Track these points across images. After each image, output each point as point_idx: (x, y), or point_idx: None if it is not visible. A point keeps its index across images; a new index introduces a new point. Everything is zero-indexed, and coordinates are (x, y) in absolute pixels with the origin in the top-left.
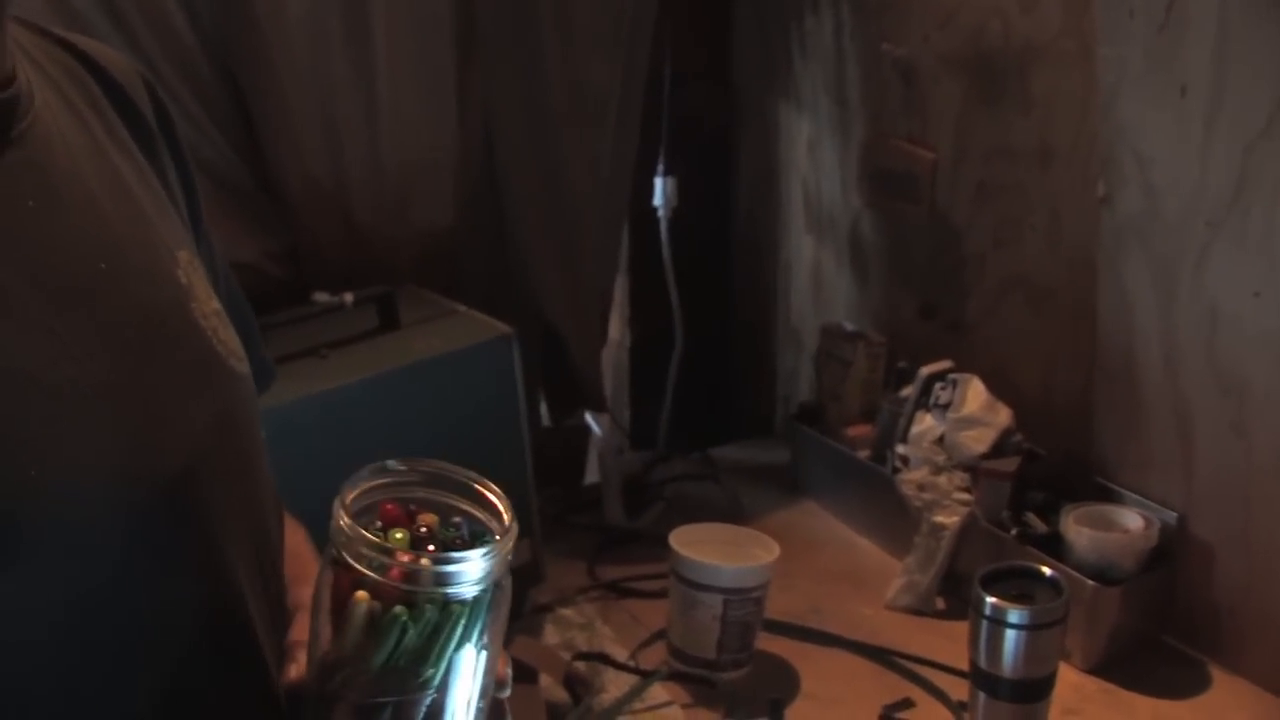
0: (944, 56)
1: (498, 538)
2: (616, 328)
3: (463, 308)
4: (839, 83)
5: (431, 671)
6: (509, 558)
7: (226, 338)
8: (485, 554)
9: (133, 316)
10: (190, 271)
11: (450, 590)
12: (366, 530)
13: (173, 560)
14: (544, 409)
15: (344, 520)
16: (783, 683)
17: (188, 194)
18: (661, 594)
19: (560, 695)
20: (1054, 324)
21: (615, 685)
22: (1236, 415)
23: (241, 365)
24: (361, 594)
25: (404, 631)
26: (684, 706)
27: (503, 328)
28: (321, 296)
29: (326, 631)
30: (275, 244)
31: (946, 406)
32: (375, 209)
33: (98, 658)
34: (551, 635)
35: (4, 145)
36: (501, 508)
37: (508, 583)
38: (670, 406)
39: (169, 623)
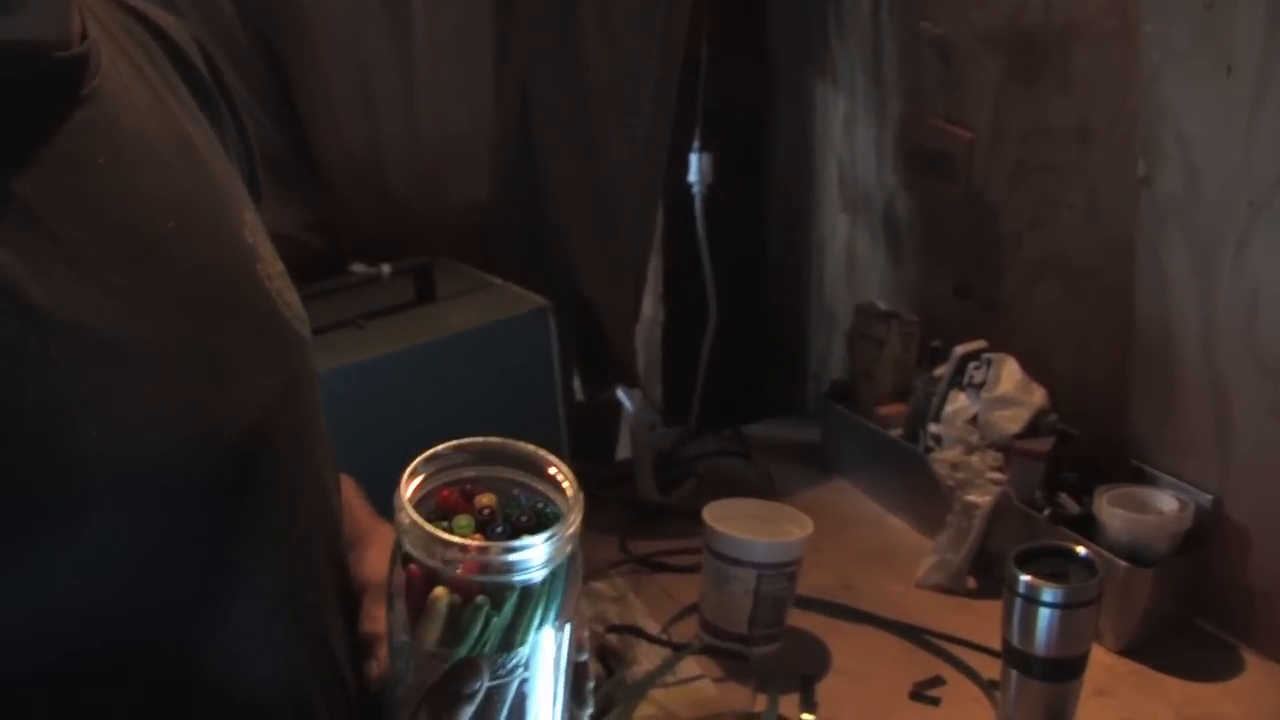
0: (983, 35)
1: (569, 515)
2: (650, 304)
3: (498, 281)
4: (876, 61)
5: (518, 654)
6: (578, 529)
7: (291, 300)
8: (555, 533)
9: (200, 275)
10: (255, 232)
11: (527, 574)
12: (430, 523)
13: (238, 521)
14: (577, 384)
15: (410, 517)
16: (814, 658)
17: (248, 159)
18: (693, 569)
19: (593, 668)
20: (1089, 304)
21: (647, 658)
22: (1276, 398)
23: (304, 328)
24: (440, 590)
25: (489, 620)
26: (715, 680)
27: (539, 301)
28: (359, 268)
29: (405, 626)
30: (311, 215)
31: (980, 386)
32: (411, 181)
33: (163, 618)
34: (584, 608)
35: (75, 103)
36: (560, 476)
37: (579, 550)
38: (703, 383)
39: (233, 584)
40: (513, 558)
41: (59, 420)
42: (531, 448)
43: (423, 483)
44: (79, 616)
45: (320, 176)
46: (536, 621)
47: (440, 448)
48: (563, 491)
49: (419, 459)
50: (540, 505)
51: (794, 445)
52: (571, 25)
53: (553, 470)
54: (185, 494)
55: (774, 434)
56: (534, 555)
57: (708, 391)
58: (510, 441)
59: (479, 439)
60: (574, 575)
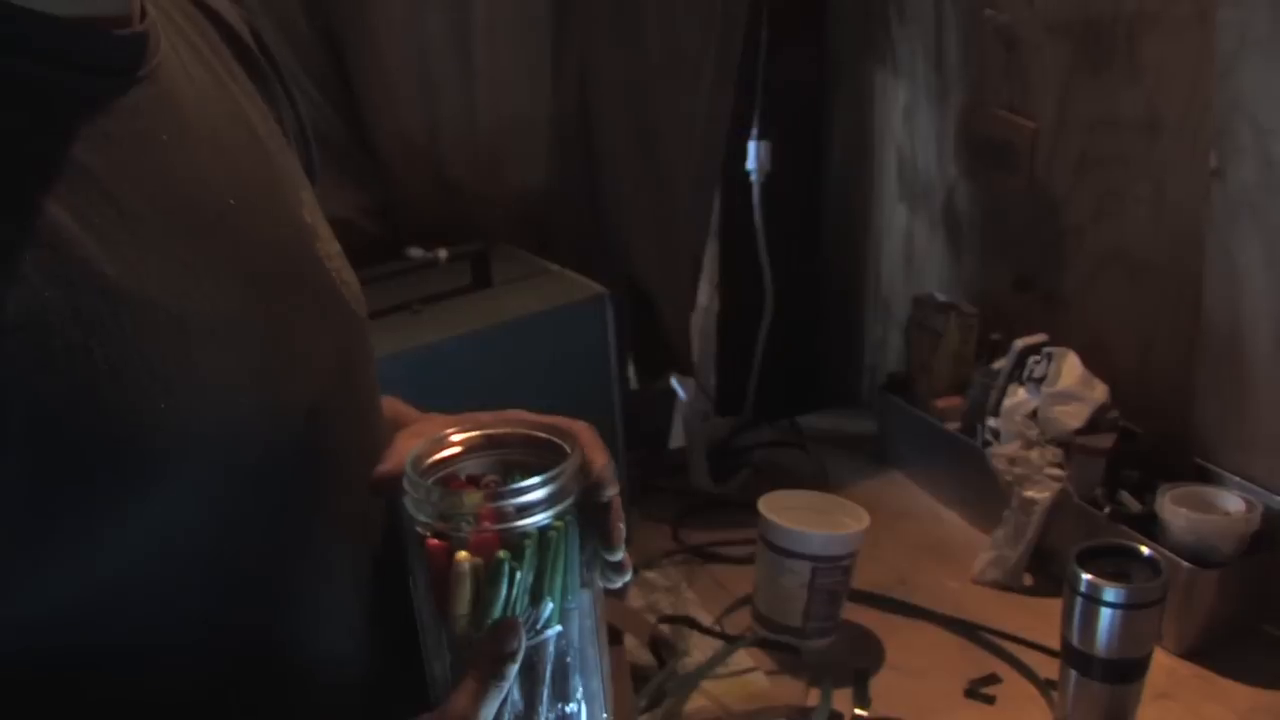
0: (1048, 23)
1: (569, 458)
2: (705, 293)
3: (555, 267)
4: (938, 49)
5: (548, 609)
6: (580, 469)
7: (349, 279)
8: (557, 472)
9: (261, 252)
10: (313, 212)
11: (540, 517)
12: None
13: (301, 497)
14: (631, 371)
15: (422, 487)
16: (868, 653)
17: (303, 140)
18: (746, 560)
19: (645, 658)
20: (1154, 299)
21: (700, 649)
22: None
23: (361, 308)
24: (463, 554)
25: (513, 575)
26: (768, 673)
27: (597, 288)
28: (415, 252)
29: (431, 602)
30: (369, 199)
31: (1040, 380)
32: (469, 166)
33: (229, 594)
34: (636, 598)
35: (136, 81)
36: (545, 435)
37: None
38: (758, 373)
39: (297, 560)
40: (521, 499)
41: (128, 392)
42: (524, 430)
43: (428, 468)
44: (145, 592)
45: (378, 161)
46: (561, 569)
47: (439, 435)
48: (560, 450)
49: (419, 447)
50: (545, 465)
51: (849, 437)
52: (631, 10)
53: (541, 435)
54: (248, 469)
55: (829, 425)
56: (539, 493)
57: (762, 381)
58: (499, 422)
59: (472, 418)
60: (595, 514)
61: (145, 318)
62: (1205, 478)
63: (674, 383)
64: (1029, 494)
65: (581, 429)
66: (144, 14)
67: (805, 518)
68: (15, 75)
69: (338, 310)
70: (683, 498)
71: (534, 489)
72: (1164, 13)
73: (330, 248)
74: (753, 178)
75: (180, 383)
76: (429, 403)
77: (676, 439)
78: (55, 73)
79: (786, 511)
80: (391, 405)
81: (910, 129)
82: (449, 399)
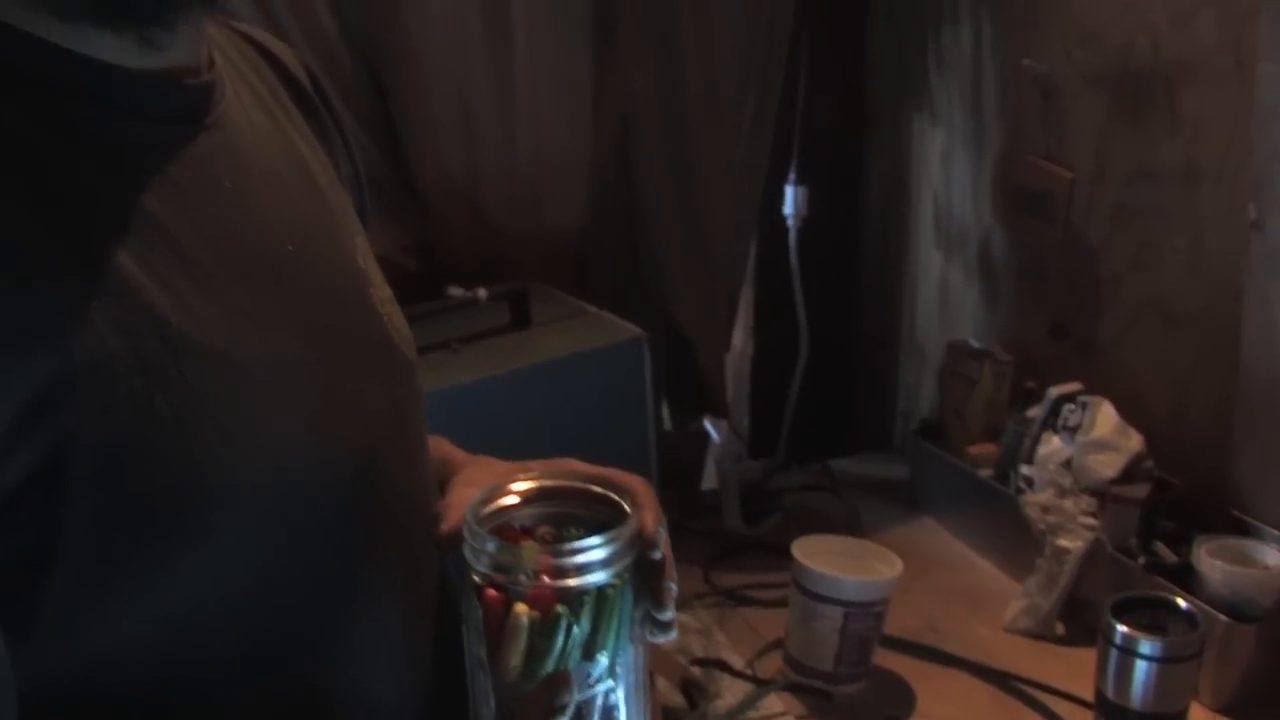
0: (1087, 73)
1: (630, 517)
2: (740, 335)
3: (593, 308)
4: (975, 97)
5: (600, 664)
6: (638, 528)
7: (400, 324)
8: (620, 530)
9: (317, 299)
10: (366, 256)
11: (599, 575)
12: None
13: (353, 541)
14: (665, 412)
15: (482, 537)
16: (899, 700)
17: (356, 183)
18: (778, 603)
19: (676, 700)
20: (1191, 350)
21: (731, 692)
22: None
23: (412, 353)
24: (521, 607)
25: (569, 630)
26: (799, 718)
27: (634, 330)
28: (455, 291)
29: (484, 650)
30: (409, 237)
31: (1075, 429)
32: (508, 204)
33: (281, 635)
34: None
35: (202, 128)
36: (602, 490)
37: (656, 550)
38: (791, 416)
39: (348, 603)
40: (583, 557)
41: (187, 437)
42: (580, 483)
43: (485, 517)
44: (201, 633)
45: (418, 199)
46: (615, 627)
47: (495, 485)
48: (615, 505)
49: (477, 496)
50: (601, 520)
51: (881, 482)
52: (671, 54)
53: (597, 489)
54: (302, 514)
55: (861, 469)
56: (600, 552)
57: (795, 424)
58: (556, 473)
59: (529, 470)
60: (649, 573)
61: (205, 365)
62: (1242, 530)
63: (707, 424)
64: (1062, 543)
65: (638, 486)
66: (211, 63)
67: (838, 563)
68: (90, 126)
69: (390, 356)
70: (715, 540)
71: (595, 548)
72: (1203, 64)
73: (382, 292)
74: (790, 222)
75: (238, 430)
76: (467, 441)
77: (709, 480)
78: (128, 123)
79: (820, 556)
80: (439, 446)
81: (947, 176)
82: (487, 438)
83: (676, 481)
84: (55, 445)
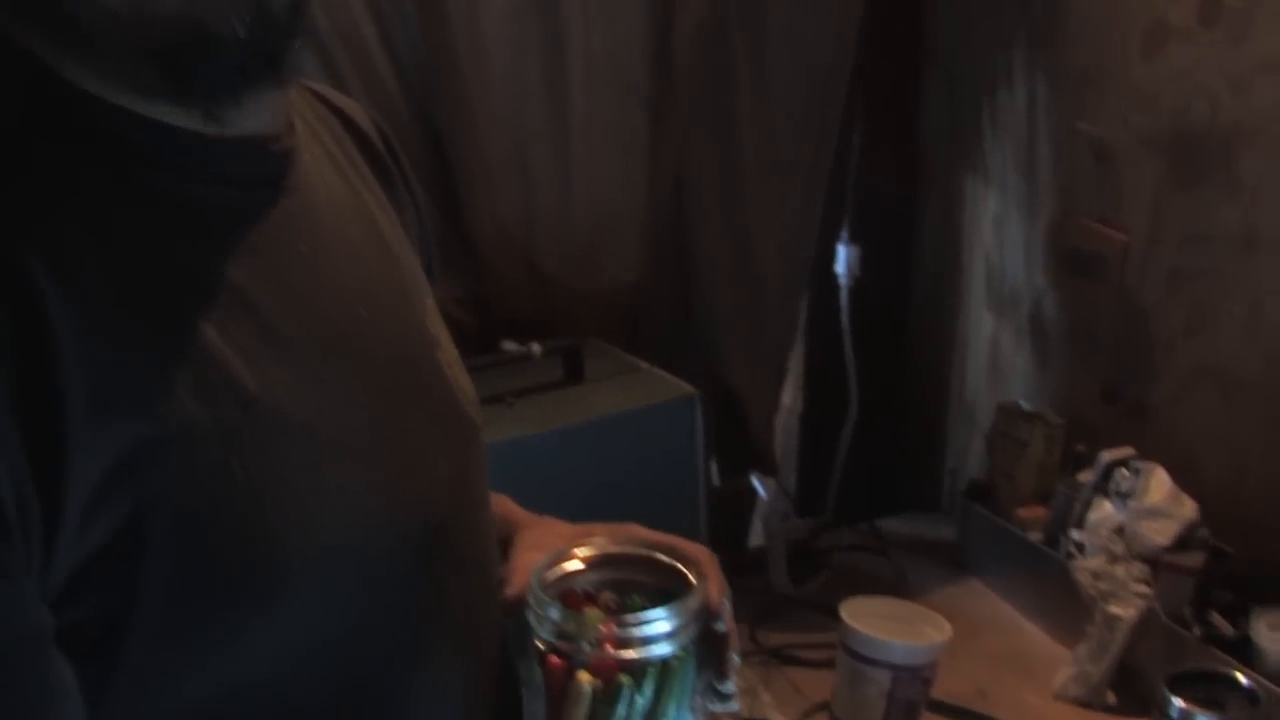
0: (1143, 137)
1: (696, 589)
2: (789, 392)
3: (645, 365)
4: (1029, 159)
5: None
6: (704, 599)
7: (465, 385)
8: (684, 605)
9: (389, 364)
10: (434, 318)
11: (664, 647)
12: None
13: (418, 606)
14: (713, 468)
15: (546, 604)
16: None
17: (424, 241)
18: (824, 664)
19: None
20: (1248, 416)
21: None
22: None
23: (478, 414)
24: (584, 674)
25: (632, 699)
26: None
27: (687, 388)
28: (510, 346)
29: (546, 717)
30: (463, 289)
31: (1127, 495)
32: (563, 259)
33: (348, 699)
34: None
35: (281, 192)
36: (667, 559)
37: (721, 623)
38: (839, 474)
39: (413, 667)
40: (649, 629)
41: (261, 502)
42: (645, 550)
43: (550, 583)
44: (266, 693)
45: (473, 251)
46: (677, 697)
47: (559, 549)
48: (680, 575)
49: (542, 561)
50: (663, 590)
51: (929, 542)
52: (727, 111)
53: (662, 558)
54: (370, 580)
55: (909, 529)
56: (669, 623)
57: (843, 483)
58: (620, 539)
59: (591, 536)
60: (711, 644)
61: (280, 432)
62: None
63: (754, 481)
64: (1114, 610)
65: (703, 555)
66: (291, 126)
67: (886, 625)
68: (172, 192)
69: (457, 420)
70: (761, 598)
71: (661, 620)
72: (1263, 129)
73: (449, 355)
74: (841, 281)
75: (311, 496)
76: (519, 494)
77: (755, 537)
78: (210, 189)
79: (868, 618)
80: (502, 504)
81: (999, 237)
82: (538, 492)
83: (723, 538)
84: (136, 509)
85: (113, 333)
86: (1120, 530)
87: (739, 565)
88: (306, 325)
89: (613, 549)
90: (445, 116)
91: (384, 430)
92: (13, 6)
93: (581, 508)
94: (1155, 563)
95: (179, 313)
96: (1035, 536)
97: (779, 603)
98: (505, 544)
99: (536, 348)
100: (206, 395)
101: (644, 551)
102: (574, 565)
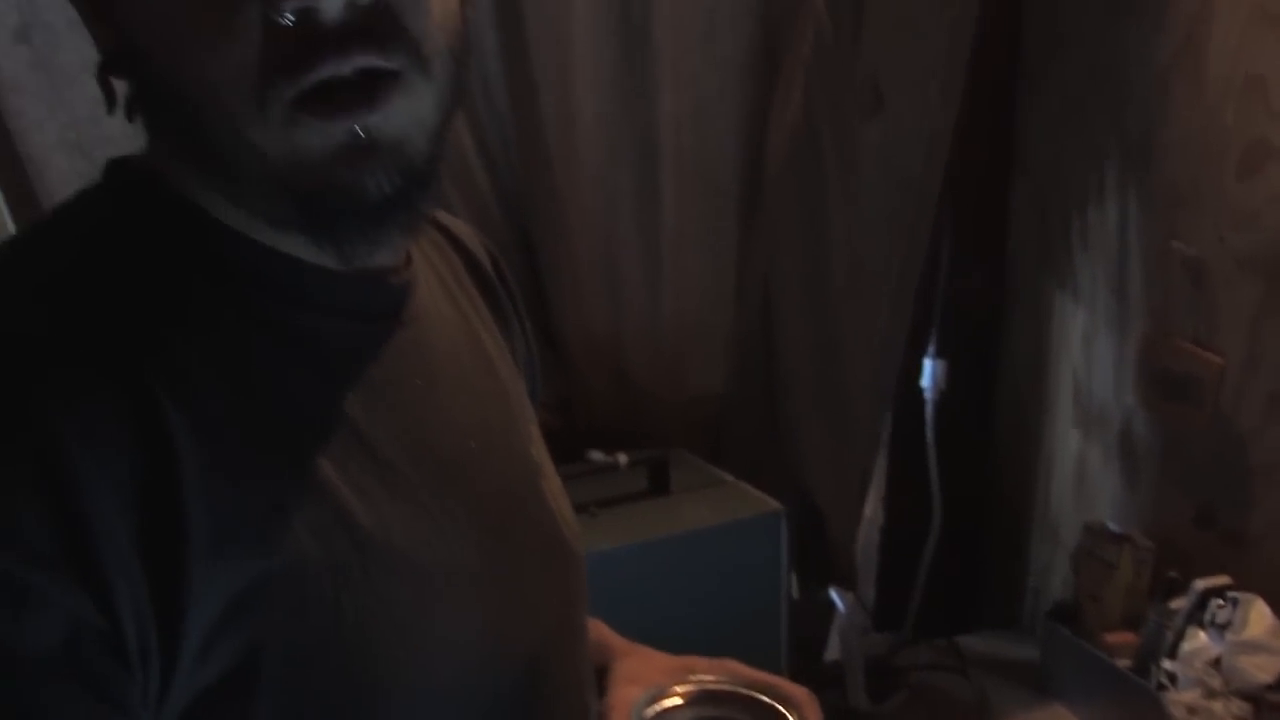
0: (1240, 258)
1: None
2: (870, 504)
3: (730, 477)
4: (1120, 276)
5: None
6: None
7: (569, 516)
8: None
9: (496, 499)
10: (539, 446)
11: None
12: None
13: None
14: (792, 579)
15: None
16: None
17: (530, 365)
18: None
19: None
20: None
21: None
22: None
23: (579, 545)
24: None
25: None
26: None
27: (773, 504)
28: (596, 455)
29: None
30: (550, 394)
31: (1225, 626)
32: (649, 366)
33: None
34: None
35: (399, 324)
36: (768, 699)
37: None
38: (920, 590)
39: None
40: None
41: (370, 642)
42: (745, 689)
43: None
44: None
45: (561, 356)
46: None
47: (661, 687)
48: (780, 716)
49: (641, 698)
50: None
51: (1010, 663)
52: (818, 222)
53: (763, 698)
54: (471, 712)
55: (989, 648)
56: None
57: (923, 598)
58: (725, 684)
59: (697, 682)
60: None
61: (391, 568)
62: None
63: (833, 594)
64: None
65: (803, 697)
66: (409, 258)
67: None
68: (295, 324)
69: (561, 553)
70: (838, 715)
71: None
72: None
73: (553, 484)
74: (927, 395)
75: (417, 634)
76: (599, 605)
77: (832, 651)
78: (332, 322)
79: None
80: (596, 629)
81: (1088, 354)
82: (619, 604)
83: (799, 651)
84: (250, 647)
85: (234, 467)
86: (1217, 663)
87: (815, 680)
88: (419, 460)
89: (712, 686)
90: (537, 220)
91: (492, 568)
92: (172, 144)
93: (661, 620)
94: (1257, 701)
95: (297, 447)
96: (1124, 663)
97: None
98: (600, 672)
99: (622, 458)
100: (321, 531)
101: (744, 690)
102: (673, 701)
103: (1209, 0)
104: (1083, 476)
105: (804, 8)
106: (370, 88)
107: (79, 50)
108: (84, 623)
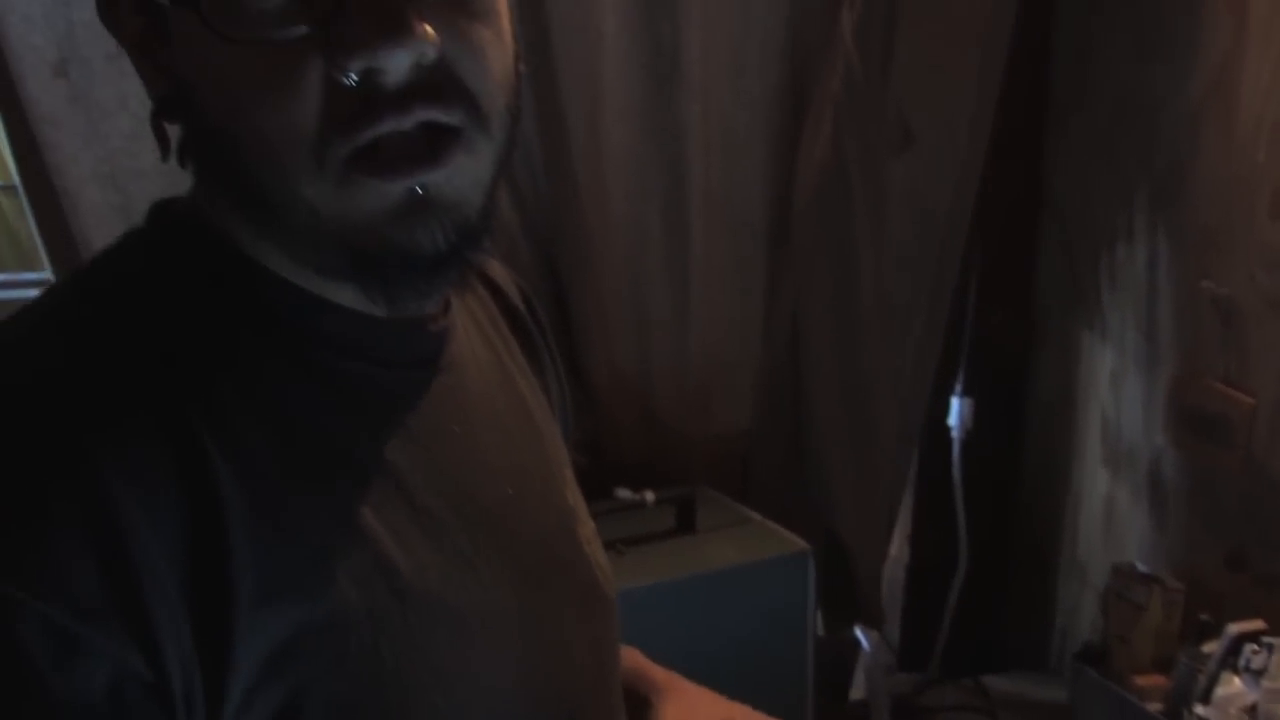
0: (1271, 297)
1: None
2: (896, 542)
3: (756, 516)
4: (1149, 316)
5: None
6: None
7: (602, 561)
8: None
9: (532, 545)
10: (574, 491)
11: None
12: None
13: None
14: (818, 618)
15: None
16: None
17: (563, 407)
18: None
19: None
20: None
21: None
22: None
23: (612, 588)
24: None
25: None
26: None
27: (799, 543)
28: (624, 493)
29: None
30: (577, 431)
31: (1259, 672)
32: (677, 403)
33: None
34: None
35: (437, 371)
36: None
37: None
38: (946, 630)
39: None
40: None
41: (408, 690)
42: None
43: None
44: None
45: (588, 393)
46: None
47: None
48: None
49: None
50: None
51: (1037, 704)
52: (845, 262)
53: None
54: None
55: (1015, 688)
56: None
57: (949, 637)
58: None
59: None
60: None
61: (429, 615)
62: None
63: (858, 632)
64: None
65: None
66: (447, 305)
67: None
68: (338, 372)
69: (595, 598)
70: None
71: None
72: None
73: (587, 528)
74: (954, 433)
75: (455, 680)
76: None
77: (857, 689)
78: (374, 370)
79: None
80: (631, 656)
81: (1116, 394)
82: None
83: (824, 689)
84: (293, 691)
85: (278, 515)
86: (1252, 710)
87: (840, 718)
88: (457, 507)
89: None
90: (564, 255)
91: (529, 614)
92: (221, 191)
93: (687, 657)
94: None
95: (338, 494)
96: (1155, 707)
97: None
98: (629, 694)
99: (650, 496)
100: (362, 579)
101: None
102: None
103: (1240, 40)
104: (1111, 516)
105: (833, 44)
106: (434, 143)
107: (115, 84)
108: (130, 671)
